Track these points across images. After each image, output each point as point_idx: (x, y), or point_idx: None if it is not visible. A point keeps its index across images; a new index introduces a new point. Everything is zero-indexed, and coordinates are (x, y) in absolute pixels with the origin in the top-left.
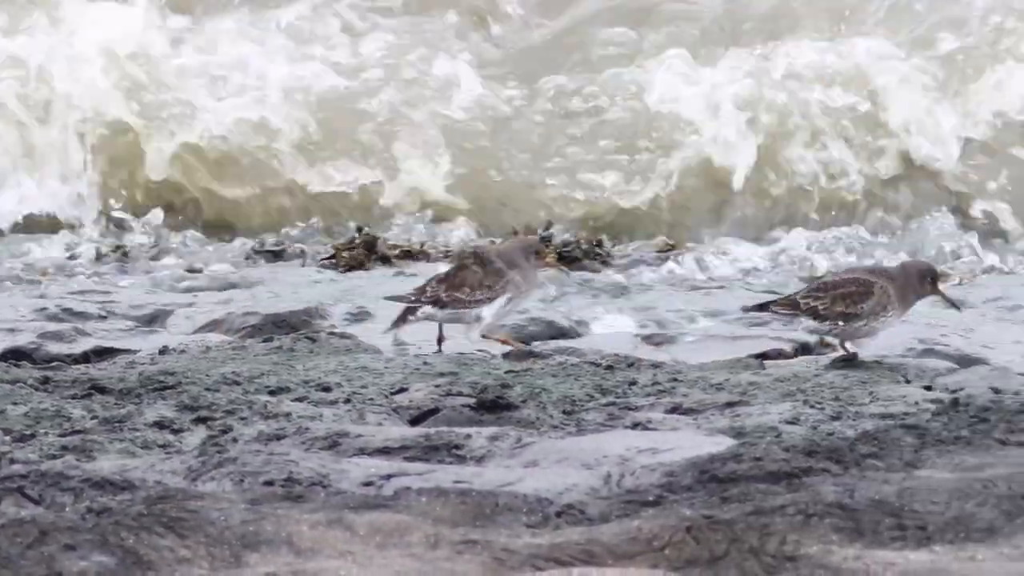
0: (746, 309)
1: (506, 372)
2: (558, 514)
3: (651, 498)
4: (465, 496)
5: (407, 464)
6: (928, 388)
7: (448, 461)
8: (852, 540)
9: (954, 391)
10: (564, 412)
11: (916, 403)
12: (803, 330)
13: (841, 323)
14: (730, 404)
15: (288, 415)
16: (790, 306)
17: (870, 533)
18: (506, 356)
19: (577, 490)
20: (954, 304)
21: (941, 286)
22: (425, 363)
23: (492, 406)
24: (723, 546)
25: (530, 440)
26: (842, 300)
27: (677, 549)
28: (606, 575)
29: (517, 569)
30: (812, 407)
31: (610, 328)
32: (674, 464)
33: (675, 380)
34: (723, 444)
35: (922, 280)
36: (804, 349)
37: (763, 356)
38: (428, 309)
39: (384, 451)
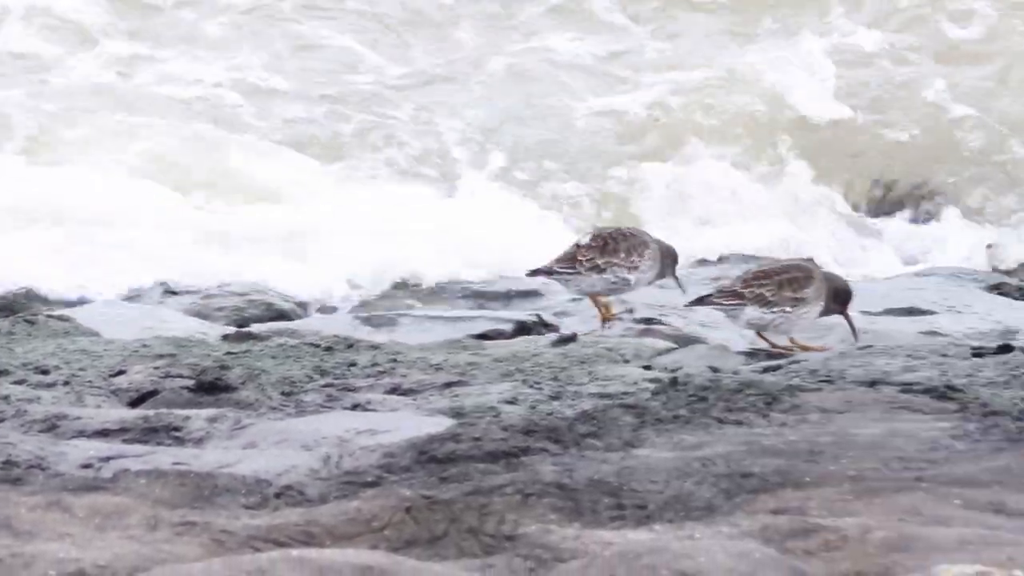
0: (686, 305)
1: (225, 354)
2: (277, 495)
3: (370, 479)
4: (184, 478)
5: (126, 446)
6: (647, 368)
7: (167, 443)
8: (571, 519)
9: (673, 370)
10: (283, 393)
11: (635, 383)
12: (745, 322)
13: (789, 309)
14: (449, 384)
15: (6, 398)
16: (733, 296)
17: (589, 512)
18: None
19: (296, 471)
20: (855, 331)
21: (849, 311)
22: (144, 345)
23: (211, 388)
24: (442, 526)
25: (249, 422)
26: (788, 285)
27: (396, 529)
28: (325, 556)
29: (236, 550)
30: (531, 387)
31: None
32: (393, 445)
33: (395, 361)
34: (442, 424)
35: (837, 296)
36: (523, 329)
37: (482, 336)
38: (582, 279)
39: (103, 433)
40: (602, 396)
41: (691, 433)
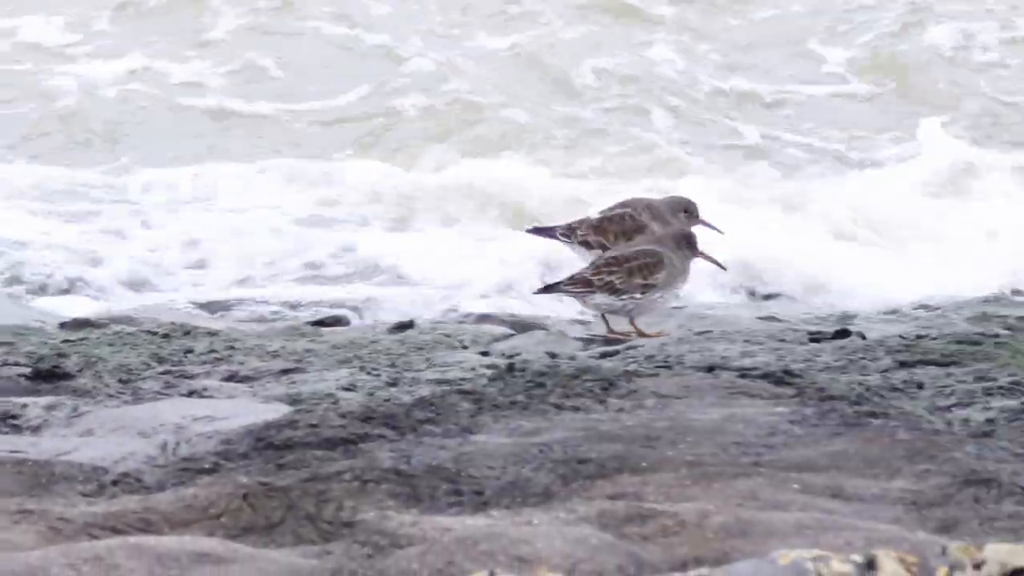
0: (535, 293)
1: (63, 342)
2: (114, 483)
3: (207, 466)
4: (21, 466)
5: None
6: (485, 353)
7: (3, 431)
8: (409, 506)
9: (510, 356)
10: (120, 381)
11: (473, 369)
12: (593, 307)
13: (639, 296)
14: (286, 371)
15: None
16: (583, 284)
17: (427, 498)
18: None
19: (133, 458)
20: (719, 263)
21: (701, 248)
22: None
23: (48, 375)
24: (279, 513)
25: (86, 409)
26: (639, 272)
27: (233, 516)
28: (163, 543)
29: (73, 538)
30: (369, 373)
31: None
32: (230, 432)
33: (232, 348)
34: (279, 411)
35: (680, 244)
36: (361, 315)
37: (320, 323)
38: (578, 248)
39: None
40: (440, 382)
41: (528, 419)
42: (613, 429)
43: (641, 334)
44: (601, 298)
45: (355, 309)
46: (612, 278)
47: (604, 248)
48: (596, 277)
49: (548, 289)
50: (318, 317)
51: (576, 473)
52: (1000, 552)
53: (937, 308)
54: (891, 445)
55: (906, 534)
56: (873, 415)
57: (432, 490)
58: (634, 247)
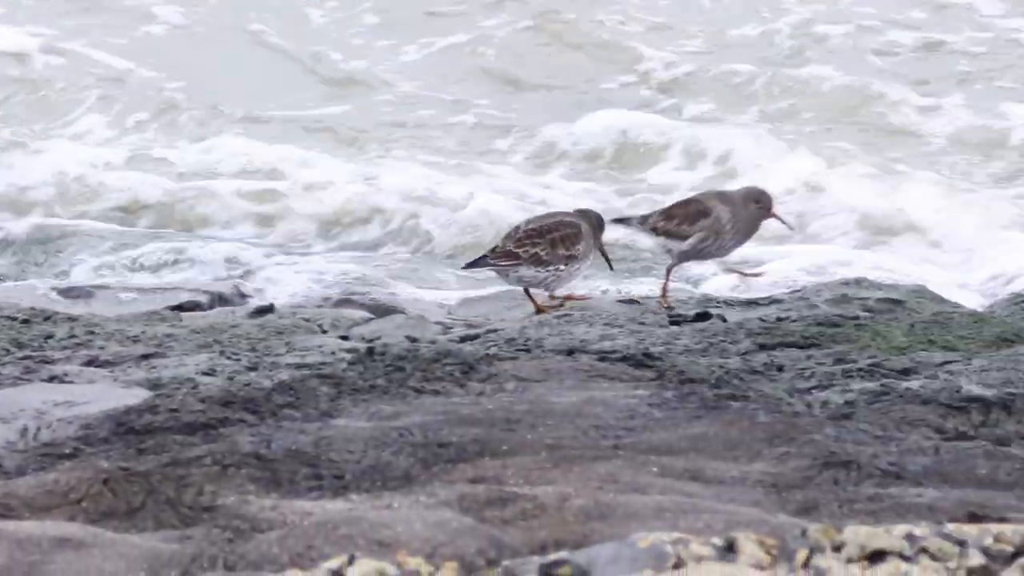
0: (463, 268)
1: None
2: None
3: (68, 451)
4: None
5: None
6: (345, 338)
7: None
8: (269, 490)
9: (370, 340)
10: None
11: (332, 353)
12: (516, 281)
13: (563, 267)
14: (147, 356)
15: None
16: (509, 257)
17: (287, 483)
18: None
19: None
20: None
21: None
22: None
23: None
24: (140, 497)
25: None
26: (562, 243)
27: (94, 501)
28: (23, 528)
29: None
30: (229, 358)
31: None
32: (91, 417)
33: (92, 333)
34: (140, 396)
35: (598, 229)
36: (221, 300)
37: (180, 308)
38: (650, 235)
39: None
40: (300, 367)
41: (388, 403)
42: (473, 413)
43: (573, 298)
44: (526, 270)
45: (214, 294)
46: (537, 250)
47: (668, 234)
48: (521, 249)
49: (474, 264)
50: (178, 301)
51: (436, 457)
52: (859, 534)
53: (798, 291)
54: (751, 428)
55: (766, 517)
56: (733, 398)
57: (292, 474)
58: (549, 219)
